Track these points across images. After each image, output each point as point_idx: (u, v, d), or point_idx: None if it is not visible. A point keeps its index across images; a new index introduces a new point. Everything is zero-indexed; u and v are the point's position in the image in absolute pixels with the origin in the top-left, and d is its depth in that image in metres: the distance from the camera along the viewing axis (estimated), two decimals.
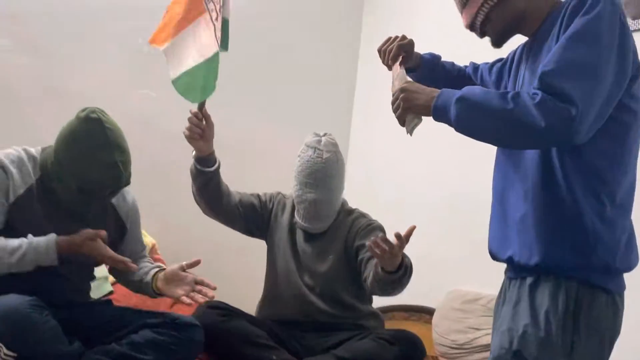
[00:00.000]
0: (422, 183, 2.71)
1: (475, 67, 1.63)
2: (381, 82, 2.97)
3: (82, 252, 1.61)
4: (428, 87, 1.31)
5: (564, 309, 1.17)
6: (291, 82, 3.00)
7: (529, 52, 1.38)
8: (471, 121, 1.23)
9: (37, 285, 1.61)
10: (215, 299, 1.98)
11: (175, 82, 1.83)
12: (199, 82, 1.81)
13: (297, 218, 2.06)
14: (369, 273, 1.82)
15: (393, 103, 1.33)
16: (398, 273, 1.68)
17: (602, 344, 1.21)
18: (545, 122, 1.11)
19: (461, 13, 1.40)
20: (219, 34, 1.83)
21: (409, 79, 1.42)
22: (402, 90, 1.31)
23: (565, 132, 1.12)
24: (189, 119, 1.84)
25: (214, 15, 1.85)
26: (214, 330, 1.84)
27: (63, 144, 1.65)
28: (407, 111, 1.30)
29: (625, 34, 1.18)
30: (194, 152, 1.92)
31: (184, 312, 2.02)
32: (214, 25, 1.83)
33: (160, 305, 2.13)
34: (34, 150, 1.71)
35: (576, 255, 1.19)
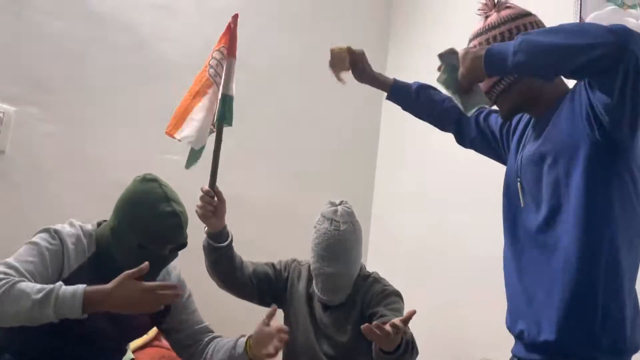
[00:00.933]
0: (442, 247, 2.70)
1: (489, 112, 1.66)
2: (401, 142, 3.00)
3: (112, 302, 1.46)
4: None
5: None
6: (313, 145, 3.00)
7: (533, 130, 1.41)
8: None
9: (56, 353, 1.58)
10: None
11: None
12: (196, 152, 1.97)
13: (314, 289, 2.03)
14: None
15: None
16: (397, 352, 1.65)
17: None
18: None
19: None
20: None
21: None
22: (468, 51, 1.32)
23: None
24: (201, 198, 1.89)
25: (217, 80, 1.99)
26: None
27: (123, 206, 1.67)
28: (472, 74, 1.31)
29: None
30: (206, 228, 1.94)
31: None
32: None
33: None
34: (90, 226, 1.71)
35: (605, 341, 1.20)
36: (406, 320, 1.50)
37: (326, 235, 1.96)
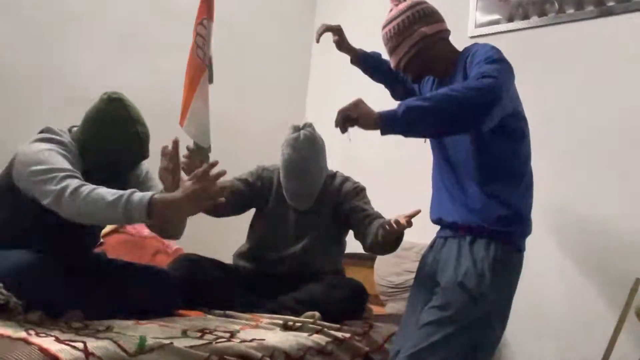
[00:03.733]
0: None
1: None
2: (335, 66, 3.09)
3: (178, 210, 1.48)
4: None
5: (492, 257, 1.51)
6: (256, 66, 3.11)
7: (439, 86, 1.68)
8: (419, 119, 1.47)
9: (67, 242, 1.72)
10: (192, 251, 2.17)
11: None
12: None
13: (285, 195, 2.17)
14: (369, 236, 1.97)
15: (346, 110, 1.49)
16: (398, 241, 1.88)
17: (511, 283, 1.59)
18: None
19: (390, 55, 1.69)
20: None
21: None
22: (359, 101, 1.50)
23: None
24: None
25: (206, 61, 1.90)
26: (188, 279, 1.97)
27: (91, 124, 1.73)
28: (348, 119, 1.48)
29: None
30: None
31: (163, 263, 2.16)
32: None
33: (143, 257, 2.22)
34: (65, 134, 1.76)
35: (502, 224, 1.53)
36: (411, 216, 1.67)
37: (289, 159, 2.11)
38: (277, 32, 3.29)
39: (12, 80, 2.32)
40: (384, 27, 1.68)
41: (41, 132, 1.73)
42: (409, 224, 1.68)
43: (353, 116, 1.47)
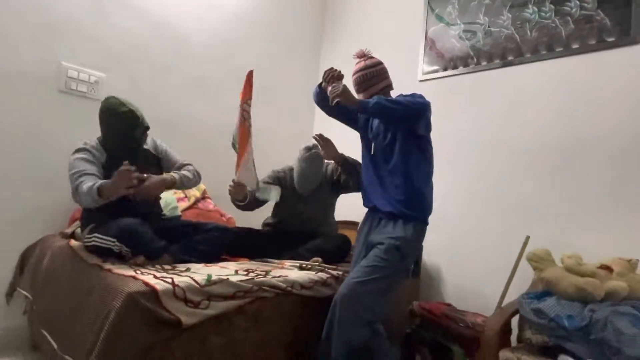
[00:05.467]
0: None
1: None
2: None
3: (120, 189, 1.49)
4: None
5: (412, 230, 1.56)
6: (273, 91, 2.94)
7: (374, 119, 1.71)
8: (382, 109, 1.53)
9: (138, 209, 1.70)
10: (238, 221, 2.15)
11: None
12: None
13: (296, 187, 2.12)
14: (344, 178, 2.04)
15: (334, 89, 1.49)
16: (347, 163, 1.89)
17: (420, 243, 1.65)
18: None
19: (363, 90, 1.68)
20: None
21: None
22: (345, 86, 1.52)
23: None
24: (230, 189, 1.87)
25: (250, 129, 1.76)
26: (238, 237, 1.97)
27: (100, 120, 1.69)
28: (342, 95, 1.49)
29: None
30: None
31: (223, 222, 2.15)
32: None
33: (211, 219, 2.22)
34: (95, 141, 1.73)
35: (417, 210, 1.59)
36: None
37: (303, 171, 2.08)
38: (291, 62, 3.10)
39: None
40: (360, 71, 1.68)
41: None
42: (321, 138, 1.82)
43: (339, 92, 1.48)
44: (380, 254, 1.52)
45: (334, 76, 1.55)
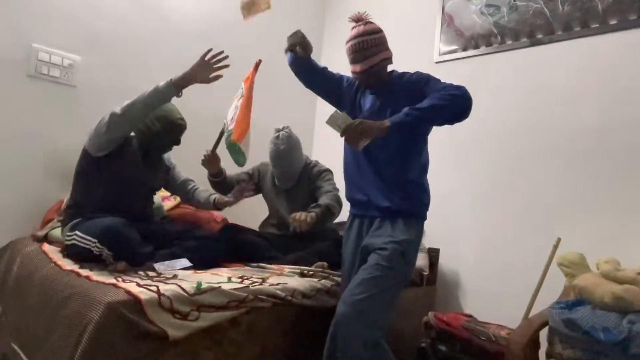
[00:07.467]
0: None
1: (340, 76, 1.79)
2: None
3: (195, 77, 1.68)
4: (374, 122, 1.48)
5: (415, 231, 1.56)
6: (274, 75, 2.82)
7: (372, 95, 1.65)
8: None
9: (132, 208, 1.75)
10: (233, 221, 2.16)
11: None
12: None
13: (275, 180, 2.25)
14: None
15: (352, 132, 1.43)
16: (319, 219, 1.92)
17: (421, 239, 1.62)
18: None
19: (358, 61, 1.60)
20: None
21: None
22: (361, 122, 1.44)
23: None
24: (204, 158, 2.06)
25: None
26: (231, 240, 1.99)
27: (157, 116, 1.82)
28: (364, 135, 1.44)
29: None
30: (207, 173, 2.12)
31: (214, 229, 2.15)
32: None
33: (199, 225, 2.21)
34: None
35: (419, 206, 1.59)
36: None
37: (272, 153, 2.16)
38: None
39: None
40: (358, 37, 1.59)
41: None
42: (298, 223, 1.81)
43: (368, 136, 1.44)
44: (382, 262, 1.46)
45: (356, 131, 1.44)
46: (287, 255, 2.03)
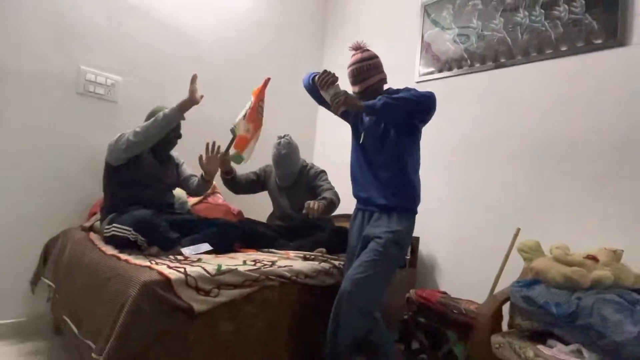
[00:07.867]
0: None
1: None
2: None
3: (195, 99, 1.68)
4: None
5: (407, 222, 1.55)
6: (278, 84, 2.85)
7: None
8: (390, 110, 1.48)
9: (155, 201, 1.75)
10: (246, 214, 2.16)
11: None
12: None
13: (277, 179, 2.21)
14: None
15: (336, 98, 1.45)
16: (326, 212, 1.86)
17: (412, 231, 1.60)
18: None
19: (358, 83, 1.61)
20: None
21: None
22: (345, 93, 1.47)
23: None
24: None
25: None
26: (245, 228, 1.98)
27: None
28: (345, 103, 1.45)
29: None
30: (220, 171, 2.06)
31: (232, 219, 2.15)
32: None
33: (218, 216, 2.19)
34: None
35: (410, 202, 1.58)
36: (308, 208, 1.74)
37: (274, 157, 2.13)
38: (294, 69, 2.99)
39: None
40: (356, 63, 1.61)
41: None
42: (312, 213, 1.71)
43: (342, 101, 1.43)
44: (379, 248, 1.50)
45: (328, 81, 1.48)
46: (288, 242, 2.03)
